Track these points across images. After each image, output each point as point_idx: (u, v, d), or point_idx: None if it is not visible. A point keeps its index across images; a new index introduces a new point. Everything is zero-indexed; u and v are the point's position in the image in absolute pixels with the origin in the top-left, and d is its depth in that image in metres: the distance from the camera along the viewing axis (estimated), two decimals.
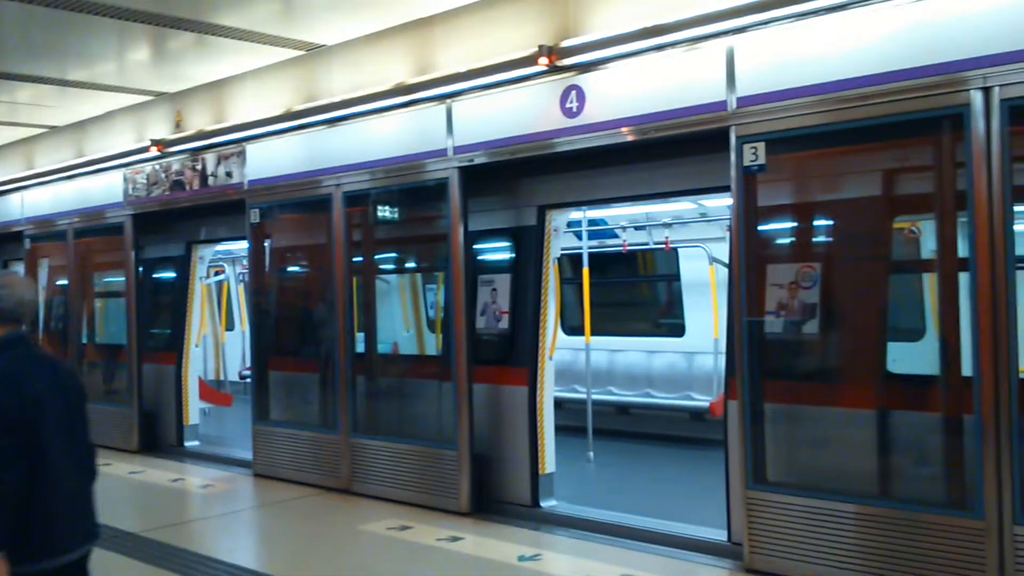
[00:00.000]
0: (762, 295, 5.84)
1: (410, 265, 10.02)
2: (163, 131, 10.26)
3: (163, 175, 10.41)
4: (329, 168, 8.42)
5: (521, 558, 6.15)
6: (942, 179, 5.31)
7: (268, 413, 9.30)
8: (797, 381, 5.95)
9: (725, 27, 5.74)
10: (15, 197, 13.04)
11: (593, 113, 6.52)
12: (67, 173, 11.75)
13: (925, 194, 5.63)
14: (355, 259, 8.61)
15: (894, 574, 5.13)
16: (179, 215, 10.57)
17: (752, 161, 5.70)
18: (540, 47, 6.54)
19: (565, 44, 6.52)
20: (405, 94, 7.59)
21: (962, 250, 5.13)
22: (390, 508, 7.63)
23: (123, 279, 11.24)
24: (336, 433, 8.36)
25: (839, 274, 5.79)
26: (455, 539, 6.67)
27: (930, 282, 7.10)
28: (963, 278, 5.08)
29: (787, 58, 5.58)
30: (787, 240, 6.15)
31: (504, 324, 7.52)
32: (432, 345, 11.68)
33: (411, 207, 8.41)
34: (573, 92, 6.63)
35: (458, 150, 7.36)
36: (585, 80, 6.57)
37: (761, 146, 5.66)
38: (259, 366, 9.42)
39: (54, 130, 12.25)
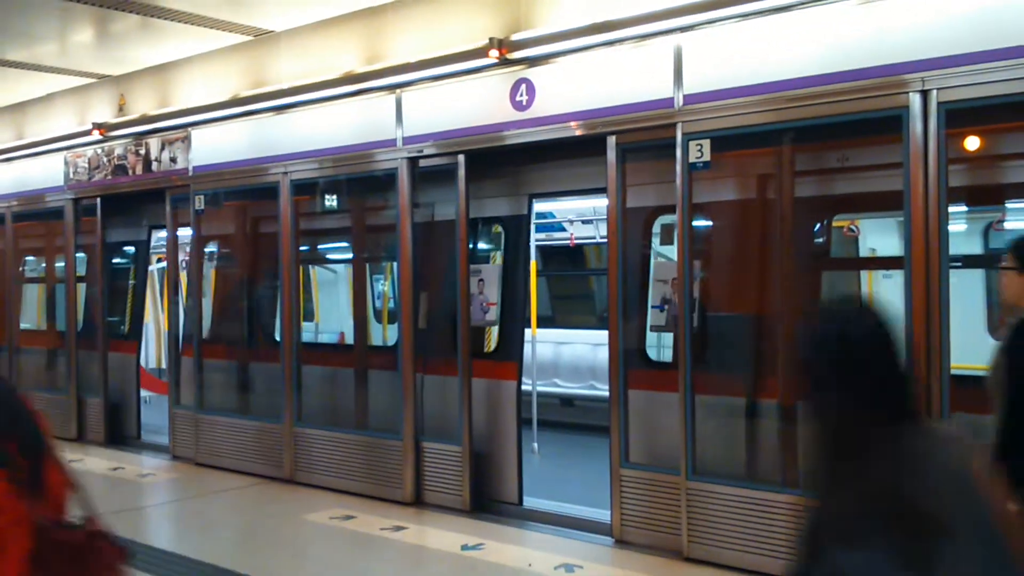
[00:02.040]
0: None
1: (358, 255, 9.98)
2: (106, 114, 10.07)
3: (105, 159, 10.22)
4: (277, 156, 8.34)
5: (464, 547, 6.18)
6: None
7: (203, 401, 9.19)
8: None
9: (672, 25, 5.82)
10: None
11: (543, 107, 6.56)
12: (6, 156, 11.47)
13: (864, 193, 5.77)
14: (302, 248, 8.56)
15: None
16: (145, 197, 10.15)
17: (697, 158, 5.79)
18: (491, 39, 6.55)
19: (516, 37, 6.54)
20: (354, 83, 7.55)
21: (899, 249, 5.27)
22: (334, 498, 7.61)
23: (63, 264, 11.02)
24: (279, 422, 8.31)
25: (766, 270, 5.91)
26: (399, 528, 6.68)
27: (869, 280, 7.31)
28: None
29: (733, 57, 5.67)
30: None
31: (492, 316, 7.46)
32: (379, 335, 11.68)
33: (360, 197, 8.39)
34: (523, 85, 6.66)
35: (407, 140, 7.35)
36: (535, 74, 6.60)
37: (706, 143, 5.75)
38: (199, 355, 9.29)
39: None
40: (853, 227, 7.26)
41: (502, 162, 7.23)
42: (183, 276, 10.23)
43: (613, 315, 6.36)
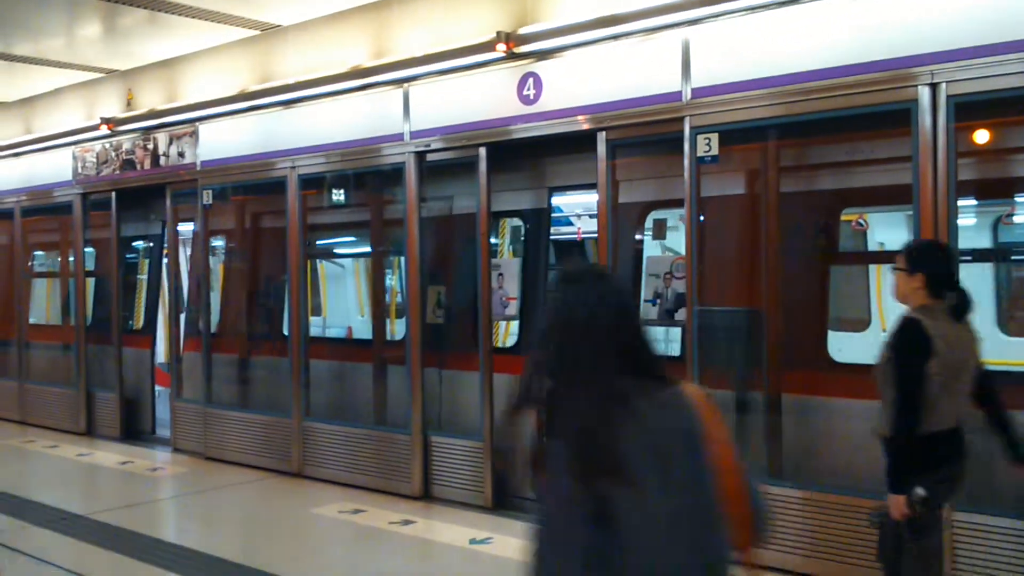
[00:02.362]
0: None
1: (365, 250, 9.99)
2: (114, 109, 10.09)
3: (113, 154, 10.24)
4: (284, 150, 8.35)
5: (473, 541, 6.19)
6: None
7: (211, 395, 9.22)
8: None
9: (680, 18, 5.80)
10: None
11: (550, 101, 6.55)
12: (14, 150, 11.51)
13: (873, 187, 5.76)
14: (310, 242, 8.57)
15: None
16: (156, 191, 10.07)
17: (706, 152, 5.77)
18: (498, 33, 6.54)
19: (523, 31, 6.53)
20: (362, 77, 7.55)
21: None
22: (342, 492, 7.64)
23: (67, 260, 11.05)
24: (288, 417, 8.33)
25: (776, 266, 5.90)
26: (407, 522, 6.70)
27: (877, 274, 7.29)
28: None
29: (741, 51, 5.65)
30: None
31: (512, 310, 7.41)
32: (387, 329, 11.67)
33: (367, 191, 8.39)
34: (531, 79, 6.65)
35: (414, 135, 7.34)
36: (543, 67, 6.59)
37: (714, 137, 5.73)
38: (208, 349, 9.32)
39: (1, 106, 11.98)
40: (861, 221, 7.22)
41: (522, 155, 7.18)
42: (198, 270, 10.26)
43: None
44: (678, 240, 7.78)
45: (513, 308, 7.42)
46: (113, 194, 10.34)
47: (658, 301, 6.49)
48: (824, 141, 5.89)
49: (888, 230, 7.66)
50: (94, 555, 6.14)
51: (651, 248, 7.04)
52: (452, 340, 7.72)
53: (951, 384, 3.85)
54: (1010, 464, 4.11)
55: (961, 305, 3.95)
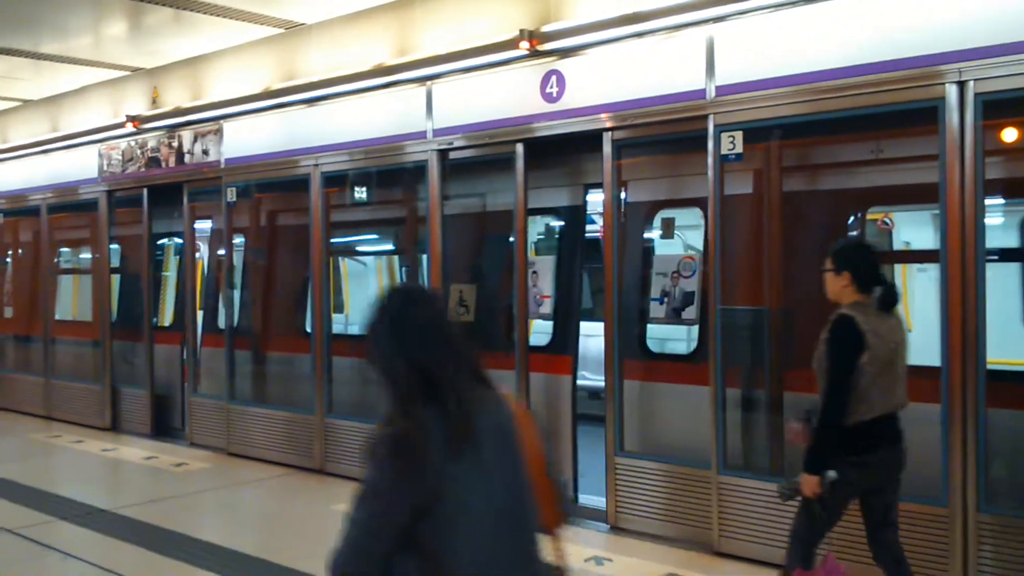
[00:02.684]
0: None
1: (387, 247, 9.99)
2: (139, 107, 10.17)
3: (139, 151, 10.32)
4: (307, 148, 8.38)
5: None
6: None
7: (235, 392, 9.27)
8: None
9: (705, 15, 5.77)
10: None
11: (573, 99, 6.53)
12: (41, 148, 11.62)
13: (899, 185, 5.70)
14: (332, 240, 8.60)
15: None
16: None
17: (730, 150, 5.74)
18: (521, 31, 6.54)
19: (546, 29, 6.52)
20: (385, 75, 7.57)
21: (933, 242, 5.21)
22: None
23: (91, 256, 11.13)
24: (310, 413, 8.37)
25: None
26: None
27: (903, 274, 7.23)
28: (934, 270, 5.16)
29: (766, 48, 5.61)
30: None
31: (546, 308, 7.38)
32: None
33: (390, 188, 8.41)
34: (553, 77, 6.63)
35: (437, 133, 7.35)
36: (565, 65, 6.58)
37: (739, 135, 5.70)
38: (231, 346, 9.37)
39: (28, 104, 12.10)
40: (887, 220, 7.16)
41: (555, 152, 7.13)
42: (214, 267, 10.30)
43: (609, 307, 6.44)
44: (690, 239, 7.83)
45: (547, 306, 7.38)
46: (145, 191, 10.35)
47: (665, 300, 6.47)
48: (850, 139, 5.84)
49: (915, 229, 7.59)
50: (119, 549, 6.19)
51: (670, 246, 7.01)
52: (482, 338, 7.72)
53: (882, 375, 4.11)
54: None
55: (888, 298, 4.22)
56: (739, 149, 5.71)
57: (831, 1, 5.34)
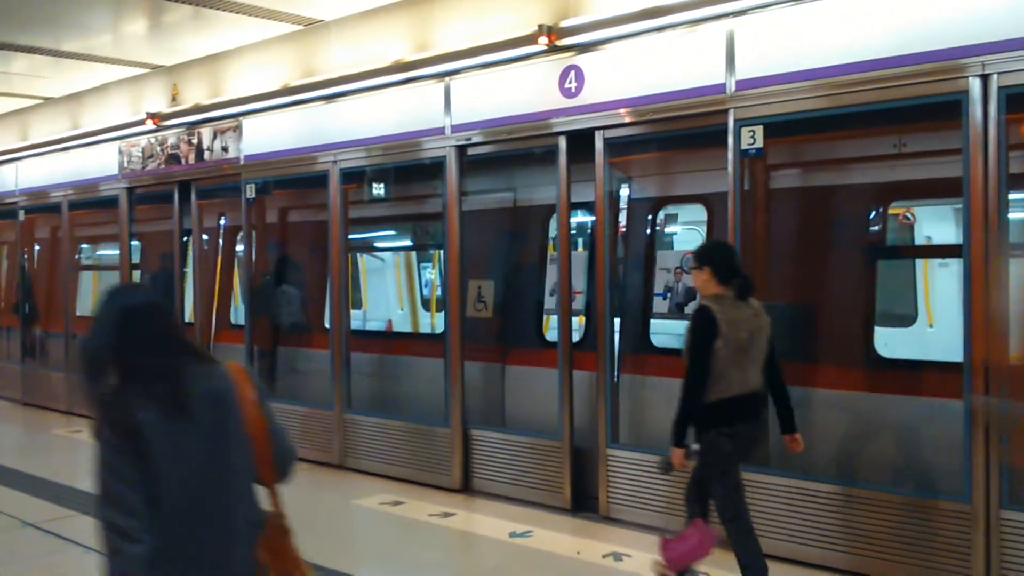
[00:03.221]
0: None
1: (406, 243, 10.00)
2: (159, 104, 10.22)
3: (159, 148, 10.37)
4: (326, 144, 8.40)
5: (513, 534, 6.20)
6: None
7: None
8: None
9: (725, 9, 5.74)
10: (9, 169, 13.00)
11: (592, 94, 6.52)
12: (62, 145, 11.70)
13: (921, 180, 5.67)
14: (351, 236, 8.62)
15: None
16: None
17: (750, 144, 5.71)
18: (540, 26, 6.52)
19: (565, 24, 6.50)
20: (403, 71, 7.57)
21: (955, 237, 5.18)
22: (383, 483, 7.68)
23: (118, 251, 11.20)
24: (330, 409, 8.39)
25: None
26: (447, 515, 6.72)
27: (924, 269, 7.19)
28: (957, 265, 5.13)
29: (787, 42, 5.58)
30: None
31: (578, 304, 7.30)
32: (426, 324, 11.74)
33: (408, 184, 8.42)
34: (572, 72, 6.62)
35: (455, 128, 7.35)
36: (584, 60, 6.56)
37: (759, 129, 5.67)
38: (251, 341, 9.41)
39: (49, 101, 12.19)
40: (909, 215, 7.12)
41: (585, 146, 7.10)
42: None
43: (601, 304, 6.51)
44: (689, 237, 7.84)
45: (579, 302, 7.35)
46: (176, 187, 10.33)
47: (668, 295, 6.51)
48: (872, 134, 5.81)
49: (937, 224, 7.54)
50: None
51: (683, 243, 7.02)
52: (508, 335, 7.72)
53: (738, 358, 4.62)
54: (781, 434, 4.96)
55: (744, 289, 4.72)
56: (759, 144, 5.68)
57: None
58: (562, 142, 6.72)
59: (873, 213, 5.92)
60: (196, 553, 2.55)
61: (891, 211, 6.34)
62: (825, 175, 6.11)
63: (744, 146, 5.73)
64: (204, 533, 2.56)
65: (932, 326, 7.44)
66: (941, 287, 7.33)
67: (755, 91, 5.67)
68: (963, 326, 4.93)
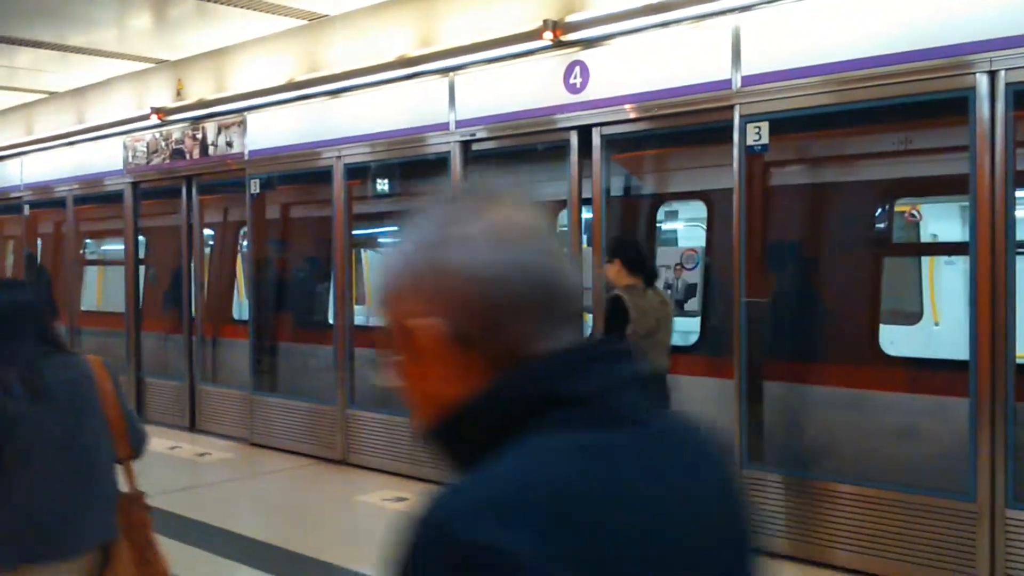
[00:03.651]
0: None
1: None
2: (164, 99, 10.21)
3: (163, 143, 10.37)
4: (330, 140, 8.38)
5: None
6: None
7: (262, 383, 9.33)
8: None
9: (731, 4, 5.71)
10: (14, 163, 13.00)
11: (597, 89, 6.49)
12: (67, 140, 11.70)
13: (927, 177, 5.64)
14: (355, 231, 8.61)
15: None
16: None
17: (756, 141, 5.69)
18: (545, 21, 6.50)
19: (570, 19, 6.48)
20: (408, 66, 7.55)
21: (961, 235, 5.15)
22: (386, 479, 7.68)
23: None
24: (332, 404, 8.39)
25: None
26: None
27: (930, 265, 7.16)
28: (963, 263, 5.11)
29: (793, 38, 5.55)
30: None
31: (587, 302, 7.32)
32: None
33: (412, 180, 8.40)
34: (577, 68, 6.59)
35: (460, 124, 7.33)
36: (589, 56, 6.54)
37: (764, 126, 5.64)
38: (253, 335, 9.39)
39: (54, 96, 12.19)
40: (915, 212, 7.09)
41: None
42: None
43: (596, 299, 6.45)
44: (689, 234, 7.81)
45: (588, 299, 7.32)
46: (186, 182, 10.29)
47: (668, 292, 6.50)
48: (878, 130, 5.78)
49: (943, 222, 7.51)
50: None
51: (690, 239, 6.99)
52: None
53: (646, 341, 5.14)
54: None
55: (649, 279, 5.34)
56: (765, 140, 5.66)
57: None
58: (573, 137, 6.66)
59: (879, 210, 5.89)
60: (55, 518, 2.90)
61: (897, 208, 6.32)
62: (831, 172, 6.08)
63: (750, 142, 5.70)
64: (63, 500, 2.92)
65: (938, 324, 7.41)
66: (947, 285, 7.30)
67: (761, 87, 5.64)
68: (969, 324, 4.90)
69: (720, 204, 6.25)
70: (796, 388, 6.01)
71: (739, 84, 5.75)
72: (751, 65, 5.70)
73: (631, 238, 6.00)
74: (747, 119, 5.70)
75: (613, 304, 5.22)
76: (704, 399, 6.32)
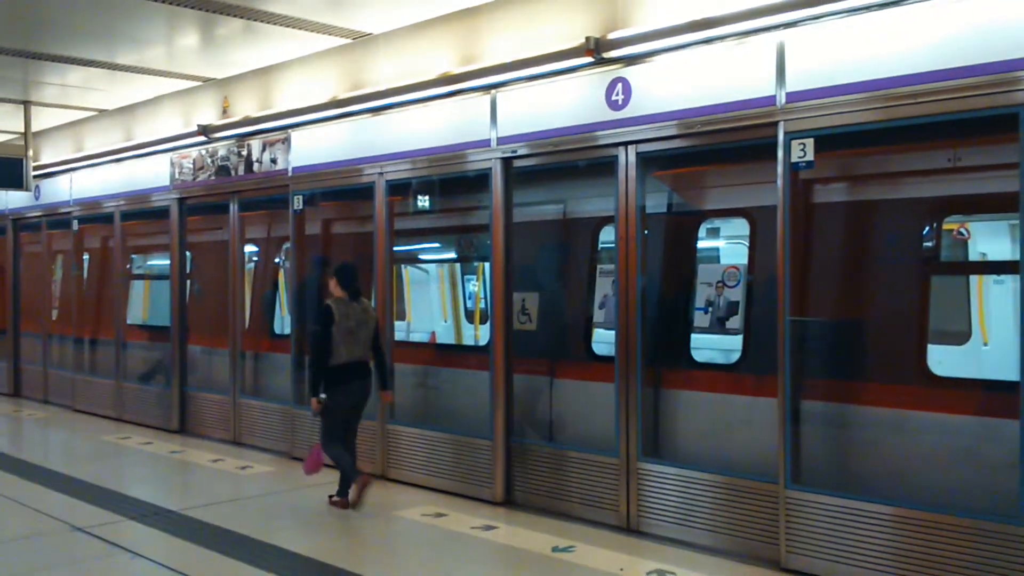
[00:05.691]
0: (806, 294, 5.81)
1: (450, 255, 10.01)
2: (210, 116, 10.38)
3: (209, 160, 10.52)
4: (373, 156, 8.45)
5: (555, 549, 6.15)
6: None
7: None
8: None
9: (776, 21, 5.68)
10: (64, 179, 13.28)
11: (639, 106, 6.48)
12: (115, 156, 11.92)
13: (976, 195, 5.55)
14: (396, 248, 8.66)
15: None
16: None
17: (800, 157, 5.64)
18: (587, 39, 6.51)
19: (612, 36, 6.48)
20: (450, 84, 7.60)
21: (1011, 253, 5.06)
22: (424, 495, 7.68)
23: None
24: (373, 419, 8.41)
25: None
26: (489, 528, 6.69)
27: (979, 285, 7.04)
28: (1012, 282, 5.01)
29: (838, 54, 5.50)
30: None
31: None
32: (470, 335, 11.76)
33: (453, 196, 8.44)
34: (619, 84, 6.59)
35: (501, 141, 7.35)
36: (631, 73, 6.53)
37: (810, 142, 5.60)
38: (297, 352, 9.47)
39: (103, 113, 12.44)
40: (963, 230, 6.98)
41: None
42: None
43: (632, 317, 6.53)
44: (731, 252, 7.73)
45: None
46: (236, 198, 10.43)
47: (710, 309, 6.44)
48: (925, 147, 5.70)
49: (992, 240, 7.39)
50: (184, 550, 6.29)
51: (733, 256, 6.94)
52: (554, 348, 7.70)
53: (347, 338, 7.14)
54: (379, 392, 7.60)
55: (353, 293, 7.27)
56: (810, 157, 5.61)
57: (907, 6, 5.22)
58: (621, 153, 6.63)
59: (927, 228, 5.80)
60: None
61: (945, 226, 6.22)
62: (877, 189, 6.00)
63: (794, 159, 5.66)
64: None
65: (987, 344, 7.28)
66: (996, 304, 7.17)
67: (806, 103, 5.60)
68: (1019, 344, 4.80)
69: (763, 221, 6.19)
70: (840, 407, 5.92)
71: (784, 101, 5.71)
72: (796, 81, 5.66)
73: (347, 263, 7.53)
74: (792, 136, 5.65)
75: (322, 310, 7.21)
76: (747, 419, 6.26)
